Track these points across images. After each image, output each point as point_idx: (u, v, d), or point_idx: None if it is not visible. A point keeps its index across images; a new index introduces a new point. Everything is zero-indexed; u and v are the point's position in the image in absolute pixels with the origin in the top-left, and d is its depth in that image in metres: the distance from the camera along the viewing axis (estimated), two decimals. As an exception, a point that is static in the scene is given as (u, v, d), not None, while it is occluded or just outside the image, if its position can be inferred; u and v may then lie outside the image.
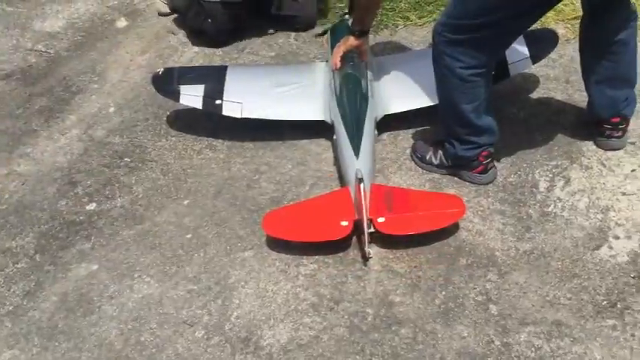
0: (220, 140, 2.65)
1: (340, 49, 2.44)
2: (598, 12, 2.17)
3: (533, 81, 2.80)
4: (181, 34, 3.29)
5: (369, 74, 2.53)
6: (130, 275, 2.14)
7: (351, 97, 2.42)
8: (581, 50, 2.35)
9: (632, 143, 2.45)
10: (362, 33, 2.40)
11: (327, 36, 2.79)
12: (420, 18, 3.31)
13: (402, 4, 3.38)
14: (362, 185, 1.99)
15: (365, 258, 2.10)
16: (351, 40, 2.41)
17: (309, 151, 2.57)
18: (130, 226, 2.32)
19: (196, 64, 3.08)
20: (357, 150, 2.24)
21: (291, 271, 2.10)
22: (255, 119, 2.54)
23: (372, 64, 2.61)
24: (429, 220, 2.11)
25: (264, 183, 2.44)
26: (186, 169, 2.53)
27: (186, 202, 2.39)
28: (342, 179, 2.38)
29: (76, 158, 2.62)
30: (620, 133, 2.40)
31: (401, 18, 3.31)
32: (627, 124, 2.41)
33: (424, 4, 3.39)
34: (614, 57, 2.25)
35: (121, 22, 3.47)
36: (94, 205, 2.41)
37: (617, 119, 2.37)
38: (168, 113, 2.80)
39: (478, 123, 2.24)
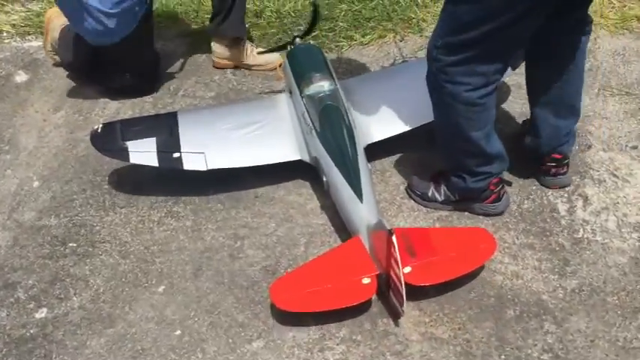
0: (181, 204, 2.24)
1: None
2: (557, 15, 1.92)
3: (503, 91, 2.61)
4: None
5: (345, 101, 2.23)
6: (114, 398, 1.71)
7: (337, 130, 2.10)
8: (529, 66, 2.12)
9: (634, 147, 2.30)
10: None
11: (284, 65, 2.45)
12: (363, 36, 3.06)
13: (341, 23, 3.11)
14: (393, 238, 1.66)
15: (396, 318, 1.79)
16: None
17: (291, 203, 2.22)
18: (99, 331, 1.86)
19: (125, 117, 2.64)
20: (358, 191, 1.94)
21: (317, 358, 1.75)
22: (216, 170, 2.17)
23: (340, 89, 2.31)
24: (460, 262, 1.84)
25: (250, 250, 2.06)
26: (150, 247, 2.10)
27: (161, 289, 1.97)
28: (338, 230, 2.06)
29: (5, 252, 2.12)
30: (565, 169, 2.18)
31: (344, 38, 3.05)
32: (569, 161, 2.18)
33: (364, 20, 3.14)
34: (561, 77, 2.03)
35: (21, 76, 2.95)
36: (45, 310, 1.93)
37: (559, 156, 2.15)
38: (107, 179, 2.35)
39: (489, 150, 1.99)
